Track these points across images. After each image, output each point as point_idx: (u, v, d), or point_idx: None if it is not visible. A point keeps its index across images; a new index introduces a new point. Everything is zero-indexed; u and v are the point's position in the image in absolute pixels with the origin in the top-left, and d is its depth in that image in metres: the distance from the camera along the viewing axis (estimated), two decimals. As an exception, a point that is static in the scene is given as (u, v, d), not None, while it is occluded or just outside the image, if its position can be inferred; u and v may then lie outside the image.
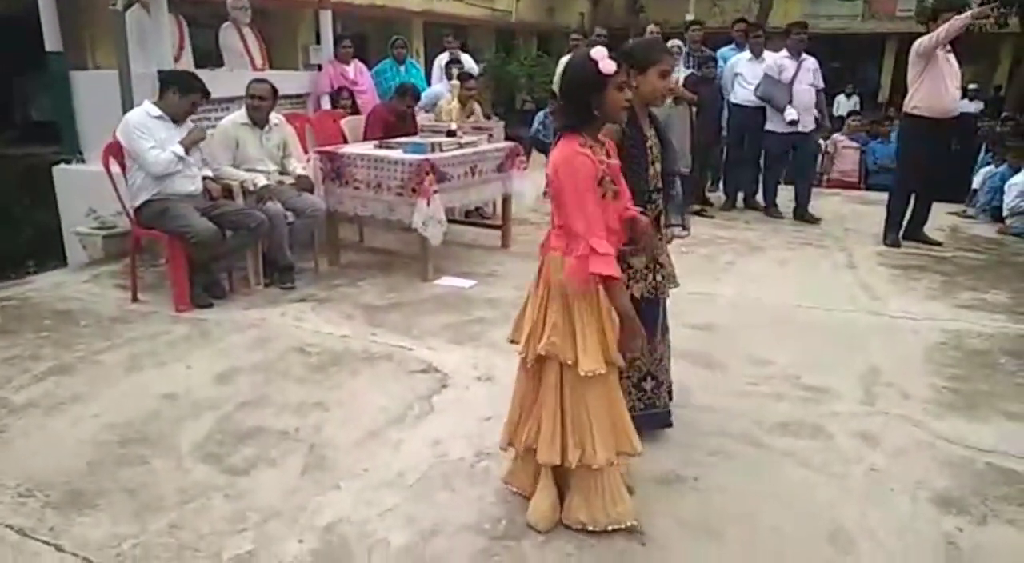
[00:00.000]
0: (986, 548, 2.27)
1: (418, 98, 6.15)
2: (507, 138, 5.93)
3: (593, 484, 2.27)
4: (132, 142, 4.07)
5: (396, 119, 5.65)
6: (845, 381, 3.40)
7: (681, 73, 6.80)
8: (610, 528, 2.27)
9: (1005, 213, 6.61)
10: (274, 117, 4.75)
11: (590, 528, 2.27)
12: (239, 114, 4.64)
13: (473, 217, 6.19)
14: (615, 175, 2.19)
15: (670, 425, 2.90)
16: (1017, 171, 6.64)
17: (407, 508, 2.43)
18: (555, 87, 2.35)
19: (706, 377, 3.42)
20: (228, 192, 4.40)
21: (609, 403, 2.26)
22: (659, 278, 2.72)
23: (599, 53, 2.10)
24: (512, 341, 2.35)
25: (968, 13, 5.29)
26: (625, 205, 2.26)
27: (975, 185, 7.39)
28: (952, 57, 5.51)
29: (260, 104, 4.57)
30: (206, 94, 4.30)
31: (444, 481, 2.58)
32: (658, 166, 2.69)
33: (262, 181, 4.50)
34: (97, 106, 5.40)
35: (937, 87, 5.45)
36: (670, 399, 2.92)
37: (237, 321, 4.07)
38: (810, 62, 6.09)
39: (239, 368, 3.48)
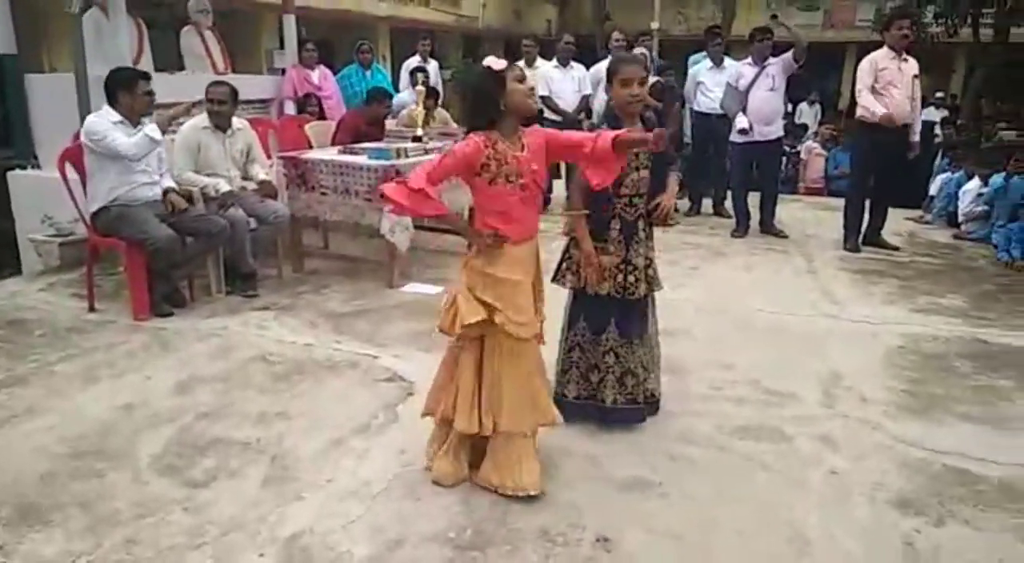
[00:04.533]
0: (944, 548, 2.31)
1: (391, 98, 6.11)
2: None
3: (505, 451, 2.51)
4: (103, 139, 3.97)
5: (368, 125, 5.60)
6: (806, 385, 3.45)
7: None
8: (516, 493, 2.47)
9: (960, 219, 6.78)
10: (237, 121, 4.69)
11: (498, 491, 2.50)
12: (200, 118, 4.57)
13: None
14: (520, 169, 2.40)
15: (643, 421, 3.03)
16: (971, 177, 6.81)
17: (371, 519, 2.40)
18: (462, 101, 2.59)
19: (670, 382, 3.42)
20: (189, 198, 4.32)
21: (526, 375, 2.49)
22: (630, 279, 2.87)
23: (490, 59, 2.42)
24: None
25: (882, 116, 5.50)
26: (534, 197, 2.51)
27: (932, 191, 7.56)
28: (906, 65, 5.63)
29: (219, 108, 4.50)
30: (146, 77, 4.23)
31: (409, 490, 2.56)
32: (644, 172, 2.85)
33: (224, 187, 4.44)
34: (53, 110, 5.29)
35: (884, 97, 5.57)
36: (652, 401, 3.10)
37: (198, 330, 4.00)
38: (773, 68, 6.11)
39: (199, 378, 3.41)
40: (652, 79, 6.96)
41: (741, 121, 6.14)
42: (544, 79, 6.82)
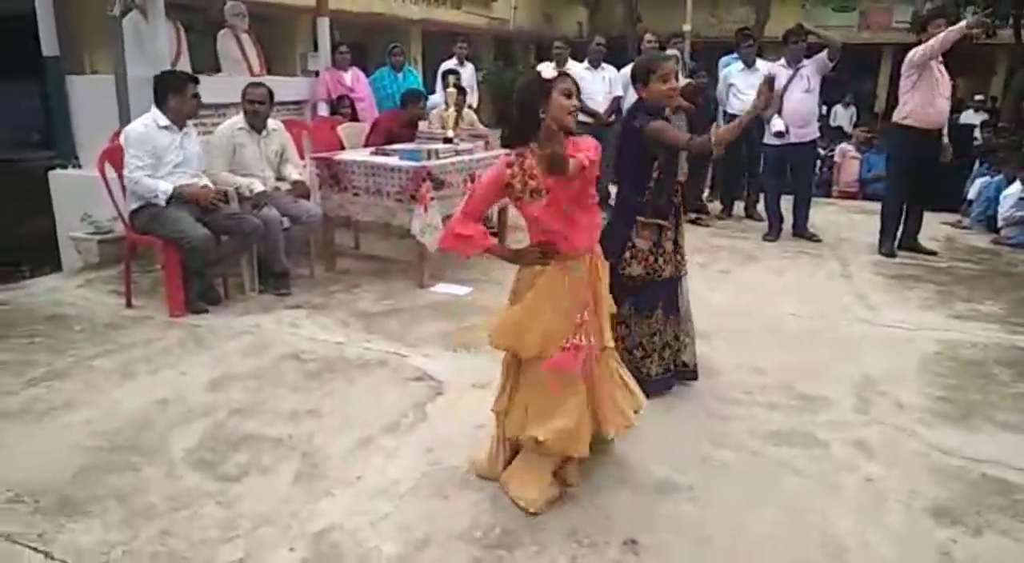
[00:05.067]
0: (981, 559, 2.26)
1: (426, 98, 6.16)
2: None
3: (525, 461, 2.53)
4: (126, 156, 4.09)
5: (403, 127, 5.64)
6: (839, 390, 3.40)
7: (680, 82, 6.84)
8: (517, 501, 2.47)
9: (1000, 223, 6.63)
10: (272, 123, 4.75)
11: (512, 497, 2.49)
12: (237, 119, 4.64)
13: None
14: (554, 184, 2.33)
15: (670, 387, 3.29)
16: (1012, 181, 6.66)
17: (400, 516, 2.42)
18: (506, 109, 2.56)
19: (701, 385, 3.42)
20: (224, 197, 4.39)
21: (548, 393, 2.43)
22: (679, 257, 3.17)
23: (543, 66, 2.42)
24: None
25: (962, 24, 5.29)
26: (577, 215, 2.42)
27: (970, 195, 7.40)
28: (943, 68, 5.53)
29: (259, 108, 4.57)
30: (195, 80, 4.31)
31: (437, 489, 2.57)
32: (683, 159, 3.20)
33: (259, 187, 4.50)
34: (93, 110, 5.40)
35: (928, 98, 5.47)
36: (690, 369, 3.37)
37: (232, 327, 4.06)
38: (807, 69, 6.04)
39: (233, 375, 3.46)
40: (684, 81, 6.94)
41: (777, 124, 6.05)
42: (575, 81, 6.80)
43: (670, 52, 6.69)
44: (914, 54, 5.48)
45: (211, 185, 4.34)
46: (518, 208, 2.43)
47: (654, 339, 3.18)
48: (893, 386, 3.46)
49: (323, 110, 6.93)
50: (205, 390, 3.31)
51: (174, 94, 4.17)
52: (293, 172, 4.80)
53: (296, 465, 2.72)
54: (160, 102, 4.19)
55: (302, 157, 5.25)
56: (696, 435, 2.96)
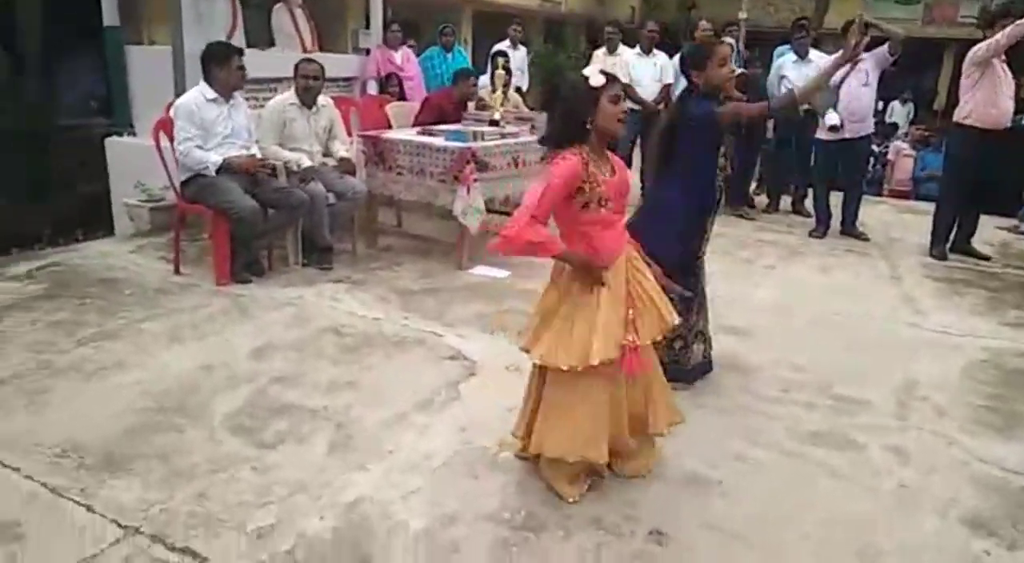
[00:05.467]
0: (1015, 572, 2.22)
1: (478, 77, 6.17)
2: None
3: (547, 465, 2.48)
4: (177, 129, 4.20)
5: (455, 105, 5.67)
6: (879, 393, 3.34)
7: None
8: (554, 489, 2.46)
9: (1059, 230, 6.41)
10: (322, 99, 4.80)
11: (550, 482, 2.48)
12: (289, 94, 4.71)
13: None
14: (611, 192, 2.30)
15: (690, 381, 3.26)
16: (1074, 187, 6.42)
17: (429, 492, 2.46)
18: (545, 107, 2.50)
19: (738, 380, 3.39)
20: (273, 171, 4.47)
21: (574, 404, 2.36)
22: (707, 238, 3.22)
23: (590, 70, 2.29)
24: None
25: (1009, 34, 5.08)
26: (617, 223, 2.38)
27: (1029, 200, 7.15)
28: (1007, 67, 5.33)
29: (312, 84, 4.63)
30: (239, 52, 4.37)
31: (467, 468, 2.60)
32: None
33: (306, 162, 4.57)
34: (150, 81, 5.53)
35: (990, 97, 5.28)
36: (709, 360, 3.36)
37: (275, 298, 4.14)
38: (866, 62, 5.86)
39: (275, 345, 3.54)
40: (737, 71, 6.81)
41: (832, 117, 5.91)
42: (625, 66, 6.73)
43: (725, 40, 6.57)
44: (977, 50, 5.30)
45: (259, 156, 4.42)
46: (562, 210, 2.30)
47: (690, 328, 3.18)
48: (935, 392, 3.39)
49: (372, 88, 6.98)
50: (248, 358, 3.39)
51: (218, 65, 4.24)
52: (340, 148, 4.85)
53: (331, 436, 2.77)
54: (207, 74, 4.27)
55: (350, 134, 5.30)
56: (730, 431, 2.94)
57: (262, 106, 4.88)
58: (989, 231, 6.46)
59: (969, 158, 5.46)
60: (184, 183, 4.31)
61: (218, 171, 4.18)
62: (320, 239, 4.63)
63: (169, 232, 4.79)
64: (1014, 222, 7.09)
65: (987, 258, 5.76)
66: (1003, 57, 5.33)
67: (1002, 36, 5.09)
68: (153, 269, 4.57)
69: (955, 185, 5.72)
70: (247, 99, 4.77)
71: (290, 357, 3.42)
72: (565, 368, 2.28)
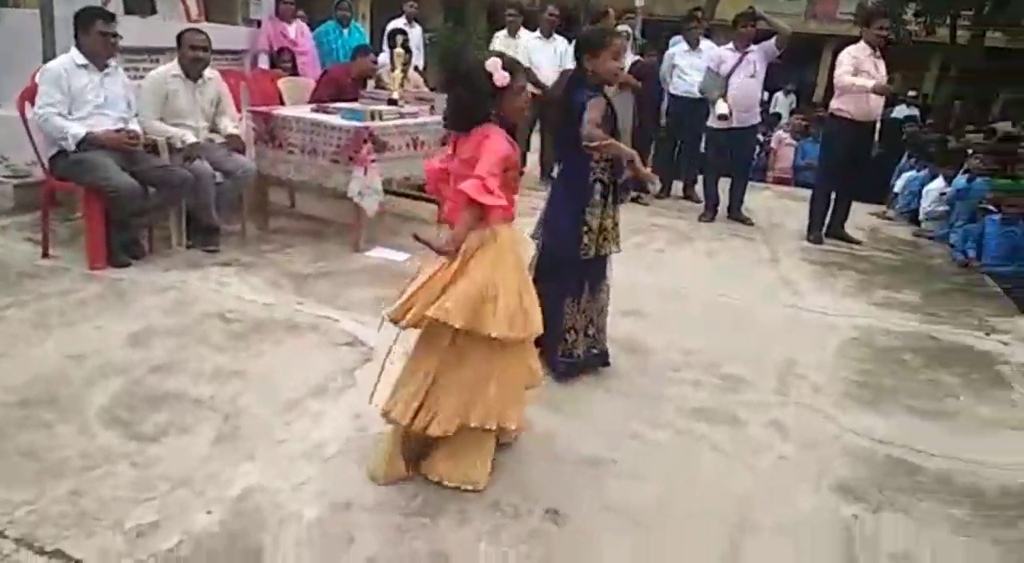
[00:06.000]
0: (880, 534, 2.39)
1: (377, 55, 6.01)
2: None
3: (466, 444, 2.37)
4: (38, 93, 3.90)
5: (354, 80, 5.50)
6: (761, 371, 3.51)
7: (628, 59, 6.83)
8: (461, 486, 2.36)
9: (922, 217, 6.92)
10: (208, 72, 4.55)
11: (445, 483, 2.36)
12: (172, 66, 4.43)
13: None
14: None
15: (607, 364, 3.35)
16: (935, 177, 6.94)
17: (323, 481, 2.40)
18: (447, 91, 2.45)
19: (633, 362, 3.48)
20: (153, 148, 4.20)
21: (520, 372, 2.40)
22: (614, 234, 3.15)
23: (493, 65, 2.21)
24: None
25: (875, 85, 5.48)
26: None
27: (896, 188, 7.69)
28: (881, 63, 5.68)
29: (200, 55, 4.37)
30: (106, 17, 4.07)
31: (362, 455, 2.55)
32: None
33: (191, 138, 4.32)
34: (16, 47, 5.07)
35: (860, 93, 5.62)
36: (604, 350, 3.36)
37: (155, 282, 3.92)
38: (755, 55, 6.10)
39: (154, 331, 3.35)
40: (633, 58, 6.95)
41: (722, 107, 6.12)
42: (525, 50, 6.74)
43: (621, 28, 6.69)
44: (840, 71, 5.67)
45: (139, 131, 4.14)
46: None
47: (581, 319, 3.19)
48: (812, 369, 3.59)
49: (263, 62, 6.69)
50: (124, 346, 3.19)
51: (83, 30, 3.96)
52: (228, 125, 4.62)
53: (217, 426, 2.65)
54: (76, 40, 3.98)
55: (239, 110, 5.06)
56: (624, 412, 3.02)
57: (142, 77, 4.58)
58: (861, 217, 6.90)
59: (842, 148, 5.79)
60: (53, 158, 3.99)
61: (80, 144, 3.87)
62: (206, 219, 4.41)
63: (36, 211, 4.43)
64: (883, 208, 7.61)
65: (859, 242, 6.15)
66: (877, 53, 5.67)
67: (849, 83, 5.53)
68: (18, 251, 4.22)
69: (829, 173, 6.07)
70: (125, 70, 4.47)
71: (171, 345, 3.24)
72: (523, 337, 2.29)
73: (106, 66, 4.05)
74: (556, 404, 2.97)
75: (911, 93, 13.81)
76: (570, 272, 3.12)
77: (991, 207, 5.93)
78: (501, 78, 2.21)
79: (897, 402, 3.35)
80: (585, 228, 3.04)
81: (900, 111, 12.31)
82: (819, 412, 3.18)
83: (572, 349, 3.18)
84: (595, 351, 3.30)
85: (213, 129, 4.60)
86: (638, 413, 3.01)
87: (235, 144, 4.55)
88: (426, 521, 2.24)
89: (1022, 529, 2.49)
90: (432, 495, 2.36)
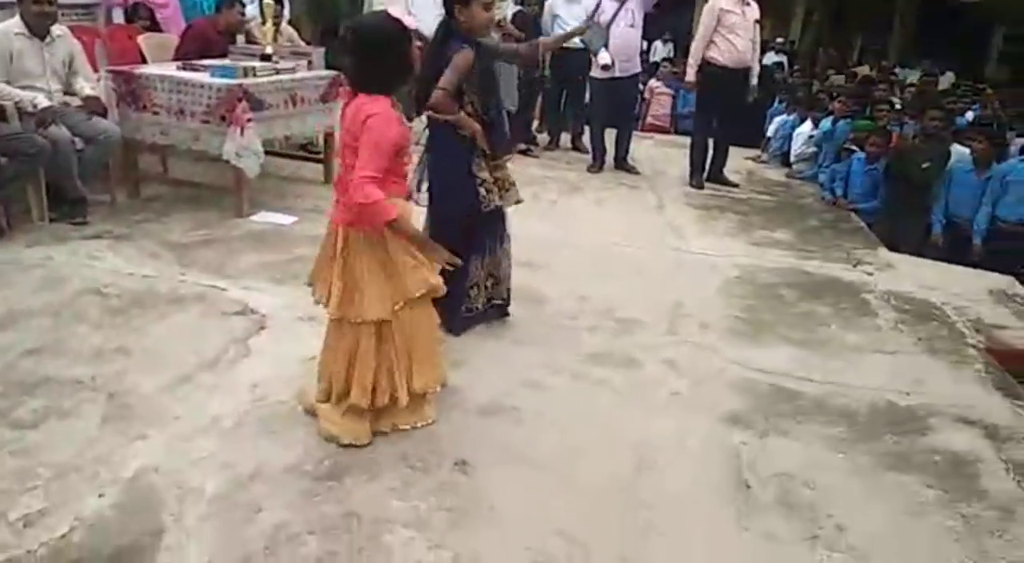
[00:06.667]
0: (765, 456, 2.57)
1: (244, 6, 5.65)
2: (329, 67, 5.59)
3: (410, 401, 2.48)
4: None
5: (220, 34, 5.17)
6: (653, 314, 3.65)
7: (509, 10, 6.77)
8: (416, 425, 2.50)
9: (792, 159, 7.30)
10: (57, 28, 4.17)
11: (396, 427, 2.48)
12: (13, 22, 4.03)
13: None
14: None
15: (507, 315, 3.39)
16: (804, 121, 7.31)
17: (224, 454, 2.33)
18: (352, 51, 2.36)
19: (531, 311, 3.53)
20: (1, 114, 3.84)
21: (415, 339, 2.43)
22: (508, 187, 3.16)
23: (395, 10, 2.22)
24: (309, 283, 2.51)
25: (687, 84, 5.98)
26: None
27: (769, 133, 8.05)
28: (749, 9, 5.89)
29: (46, 9, 4.00)
30: None
31: (263, 425, 2.49)
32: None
33: (43, 102, 3.96)
34: None
35: (727, 40, 5.83)
36: (508, 297, 3.38)
37: (18, 260, 3.62)
38: (632, 3, 6.16)
39: (22, 312, 3.12)
40: (515, 9, 6.89)
41: (604, 57, 6.14)
42: (404, 2, 6.54)
43: (500, -23, 6.59)
44: (704, 15, 6.01)
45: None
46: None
47: (483, 274, 3.22)
48: (698, 309, 3.77)
49: (119, 17, 6.18)
50: (-11, 331, 2.96)
51: None
52: (85, 86, 4.27)
53: (102, 408, 2.52)
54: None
55: (96, 70, 4.68)
56: (522, 361, 3.08)
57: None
58: (738, 161, 7.19)
59: (716, 95, 5.99)
60: None
61: None
62: (70, 190, 4.09)
63: None
64: (758, 153, 7.96)
65: (736, 186, 6.44)
66: (746, 1, 5.87)
67: (693, 59, 6.01)
68: None
69: (705, 120, 6.29)
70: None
71: (43, 325, 3.03)
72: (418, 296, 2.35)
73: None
74: (458, 358, 2.99)
75: (779, 40, 14.39)
76: (475, 228, 3.11)
77: (854, 148, 6.31)
78: (411, 22, 2.23)
79: (776, 334, 3.57)
80: (479, 180, 3.03)
81: (769, 58, 12.84)
82: (707, 348, 3.35)
83: (473, 304, 3.21)
84: (495, 302, 3.33)
85: (68, 92, 4.25)
86: (537, 361, 3.08)
87: (94, 106, 4.22)
88: (334, 483, 2.23)
89: (887, 442, 2.73)
90: (342, 457, 2.35)
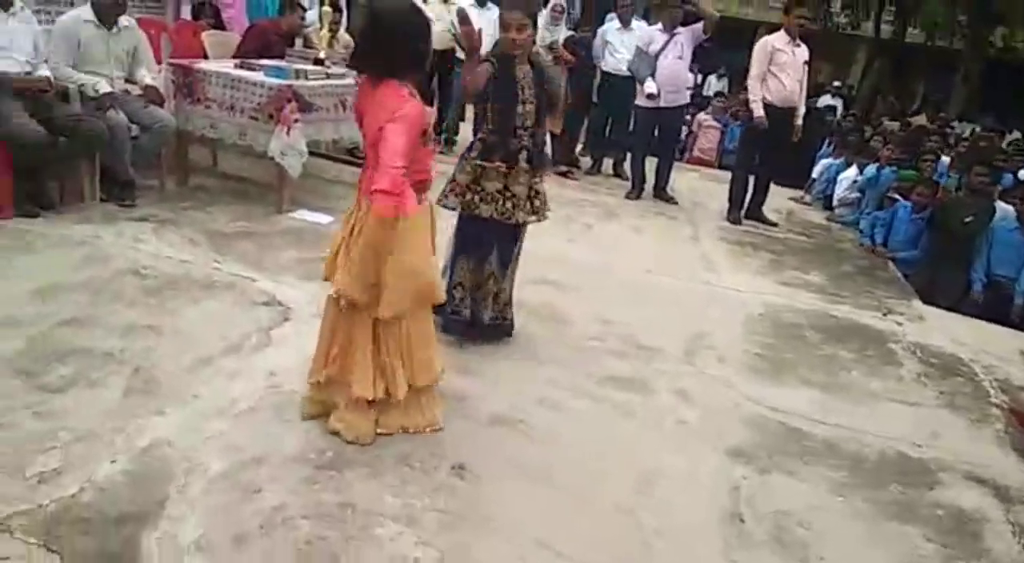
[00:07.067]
0: (764, 493, 2.56)
1: (305, 11, 5.85)
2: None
3: (415, 400, 2.54)
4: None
5: (280, 36, 5.36)
6: (673, 342, 3.65)
7: (562, 34, 6.88)
8: (425, 429, 2.55)
9: (835, 203, 7.23)
10: (125, 19, 4.39)
11: (406, 430, 2.53)
12: (84, 10, 4.25)
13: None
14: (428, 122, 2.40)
15: (509, 336, 3.37)
16: (850, 165, 7.25)
17: (234, 436, 2.41)
18: (365, 33, 2.43)
19: (552, 331, 3.57)
20: (64, 95, 4.04)
21: (417, 337, 2.48)
22: (508, 205, 3.10)
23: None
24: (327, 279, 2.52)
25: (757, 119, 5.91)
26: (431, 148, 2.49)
27: (814, 174, 8.00)
28: (799, 50, 5.90)
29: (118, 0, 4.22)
30: None
31: (275, 412, 2.57)
32: (530, 106, 3.07)
33: (105, 87, 4.16)
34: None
35: (777, 79, 5.84)
36: (510, 319, 3.38)
37: (66, 235, 3.80)
38: (682, 36, 6.23)
39: (63, 285, 3.26)
40: (567, 33, 6.99)
41: (650, 86, 6.24)
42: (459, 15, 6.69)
43: (555, 2, 6.73)
44: (750, 76, 6.00)
45: (49, 77, 3.97)
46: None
47: (470, 279, 3.22)
48: (720, 342, 3.76)
49: (186, 13, 6.43)
50: (30, 299, 3.10)
51: None
52: (146, 76, 4.47)
53: (127, 380, 2.63)
54: None
55: (159, 62, 4.89)
56: (537, 377, 3.11)
57: (53, 23, 4.37)
58: (780, 200, 7.17)
59: (759, 131, 5.98)
60: (-46, 101, 3.79)
61: None
62: (121, 173, 4.27)
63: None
64: (801, 193, 7.92)
65: (775, 224, 6.40)
66: (796, 42, 5.88)
67: (752, 96, 5.97)
68: (-84, 197, 4.01)
69: (748, 156, 6.29)
70: (37, 12, 4.27)
71: (81, 299, 3.17)
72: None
73: (11, 6, 3.86)
74: (470, 368, 3.05)
75: (835, 83, 14.30)
76: (462, 229, 3.19)
77: (897, 196, 6.24)
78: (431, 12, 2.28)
79: (795, 374, 3.55)
80: (451, 180, 3.13)
81: (824, 100, 12.76)
82: (722, 382, 3.34)
83: (459, 307, 3.22)
84: (497, 321, 3.31)
85: (129, 80, 4.45)
86: (551, 378, 3.11)
87: (152, 96, 4.41)
88: (335, 473, 2.29)
89: (892, 491, 2.70)
90: (345, 450, 2.41)
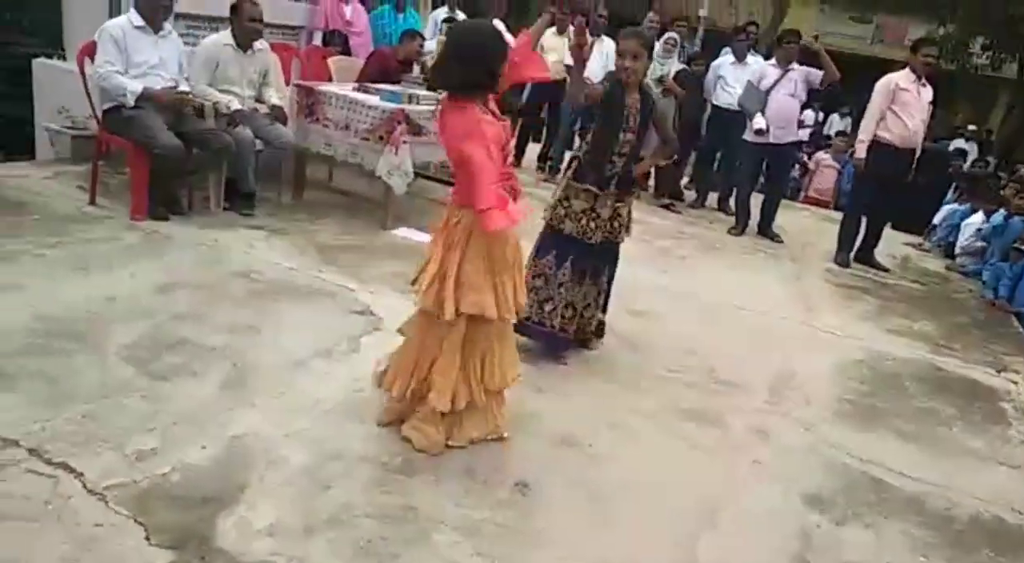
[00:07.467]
0: (837, 544, 2.45)
1: (424, 39, 6.16)
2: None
3: (487, 404, 2.62)
4: (97, 51, 4.16)
5: (400, 63, 5.67)
6: (757, 379, 3.57)
7: (674, 67, 6.89)
8: (491, 437, 2.64)
9: (957, 251, 6.83)
10: (259, 43, 4.77)
11: (474, 441, 2.62)
12: (225, 34, 4.66)
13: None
14: (503, 139, 2.46)
15: (561, 349, 3.40)
16: (975, 212, 6.84)
17: (314, 433, 2.56)
18: (444, 51, 2.56)
19: (632, 358, 3.57)
20: (200, 111, 4.43)
21: (499, 340, 2.60)
22: (591, 225, 3.24)
23: (502, 25, 2.31)
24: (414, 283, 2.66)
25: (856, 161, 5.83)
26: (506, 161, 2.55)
27: (936, 220, 7.59)
28: (924, 90, 5.65)
29: (258, 27, 4.60)
30: None
31: (355, 414, 2.71)
32: (631, 136, 3.18)
33: (235, 105, 4.53)
34: (84, 4, 5.36)
35: (899, 118, 5.61)
36: (588, 335, 3.48)
37: (189, 238, 4.14)
38: (796, 74, 6.12)
39: (181, 282, 3.56)
40: (679, 67, 6.99)
41: (759, 121, 6.14)
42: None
43: (668, 35, 6.76)
44: (877, 90, 5.78)
45: (189, 91, 4.38)
46: None
47: (541, 285, 3.29)
48: (808, 384, 3.64)
49: (317, 40, 6.89)
50: (152, 293, 3.41)
51: None
52: (273, 96, 4.83)
53: (225, 374, 2.84)
54: (135, 1, 4.26)
55: (288, 83, 5.27)
56: (610, 401, 3.13)
57: (195, 45, 4.81)
58: (896, 246, 6.85)
59: (876, 172, 5.75)
60: (106, 113, 4.25)
61: (138, 101, 4.12)
62: (244, 184, 4.63)
63: (90, 162, 4.69)
64: (920, 240, 7.52)
65: (886, 270, 6.11)
66: (922, 81, 5.65)
67: (863, 137, 5.84)
68: (69, 197, 4.49)
69: (860, 195, 6.05)
70: (183, 35, 4.71)
71: (195, 296, 3.45)
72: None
73: (162, 29, 4.29)
74: (544, 386, 3.10)
75: (971, 127, 13.48)
76: (546, 240, 3.30)
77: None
78: (510, 37, 2.41)
79: (886, 425, 3.38)
80: (554, 198, 3.28)
81: (956, 144, 12.07)
82: (804, 424, 3.23)
83: (530, 315, 3.23)
84: (567, 335, 3.37)
85: (259, 99, 4.82)
86: (625, 404, 3.11)
87: (277, 115, 4.75)
88: (402, 478, 2.39)
89: (983, 556, 2.53)
90: (414, 457, 2.51)
